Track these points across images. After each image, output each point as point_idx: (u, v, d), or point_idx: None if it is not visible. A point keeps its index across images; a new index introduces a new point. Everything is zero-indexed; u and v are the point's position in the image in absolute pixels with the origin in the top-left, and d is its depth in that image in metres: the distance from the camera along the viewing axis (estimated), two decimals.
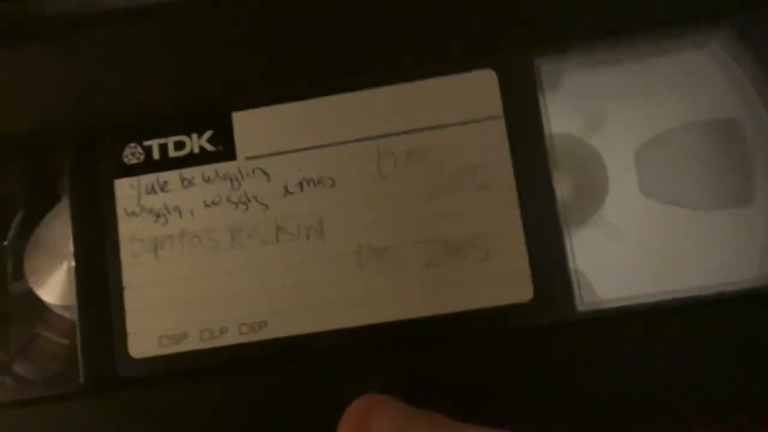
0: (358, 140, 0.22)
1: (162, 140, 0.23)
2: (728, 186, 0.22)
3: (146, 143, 0.23)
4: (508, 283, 0.21)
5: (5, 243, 0.26)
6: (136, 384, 0.22)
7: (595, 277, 0.22)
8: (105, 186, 0.23)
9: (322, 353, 0.21)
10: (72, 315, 0.23)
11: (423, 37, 0.22)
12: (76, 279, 0.23)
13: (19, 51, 0.24)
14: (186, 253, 0.22)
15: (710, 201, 0.22)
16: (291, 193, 0.22)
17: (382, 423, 0.18)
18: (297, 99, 0.23)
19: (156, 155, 0.23)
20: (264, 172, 0.22)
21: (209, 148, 0.23)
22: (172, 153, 0.23)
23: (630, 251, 0.22)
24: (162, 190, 0.23)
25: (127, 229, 0.23)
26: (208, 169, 0.23)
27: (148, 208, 0.23)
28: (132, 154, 0.23)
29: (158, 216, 0.23)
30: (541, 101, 0.22)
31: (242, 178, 0.22)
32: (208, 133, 0.23)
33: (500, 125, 0.22)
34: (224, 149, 0.23)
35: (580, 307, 0.21)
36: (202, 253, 0.22)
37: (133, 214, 0.23)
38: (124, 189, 0.23)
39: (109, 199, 0.23)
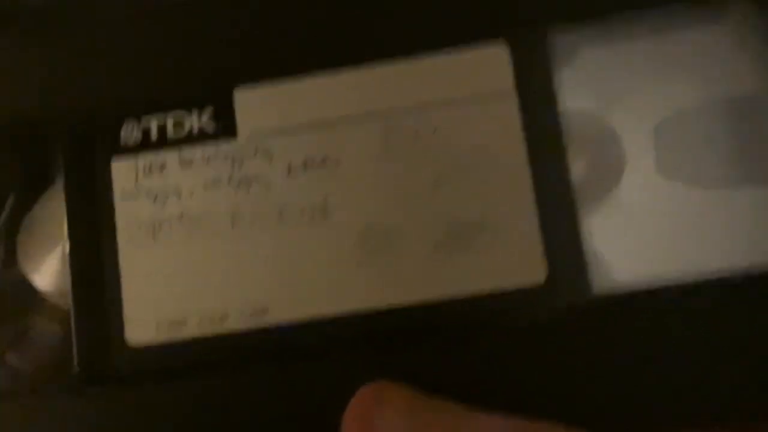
0: (364, 118, 0.22)
1: (161, 119, 0.22)
2: (748, 165, 0.22)
3: (144, 124, 0.22)
4: (520, 265, 0.20)
5: None
6: (133, 372, 0.21)
7: (611, 259, 0.21)
8: (102, 167, 0.22)
9: (326, 339, 0.21)
10: (67, 303, 0.23)
11: (431, 9, 0.22)
12: (70, 264, 0.22)
13: (13, 33, 0.23)
14: (185, 236, 0.22)
15: (729, 180, 0.22)
16: (294, 174, 0.22)
17: (390, 413, 0.18)
18: (301, 74, 0.22)
19: (154, 136, 0.22)
20: (267, 152, 0.22)
21: (209, 127, 0.22)
22: (171, 134, 0.22)
23: (647, 232, 0.22)
24: (160, 170, 0.22)
25: (124, 211, 0.22)
26: (208, 149, 0.22)
27: (145, 190, 0.22)
28: (130, 134, 0.22)
29: (156, 198, 0.22)
30: (555, 77, 0.21)
31: (243, 158, 0.22)
32: (209, 110, 0.22)
33: (512, 101, 0.21)
34: (225, 128, 0.22)
35: (596, 290, 0.20)
36: (202, 236, 0.22)
37: (131, 196, 0.22)
38: (122, 170, 0.22)
39: (105, 180, 0.22)
